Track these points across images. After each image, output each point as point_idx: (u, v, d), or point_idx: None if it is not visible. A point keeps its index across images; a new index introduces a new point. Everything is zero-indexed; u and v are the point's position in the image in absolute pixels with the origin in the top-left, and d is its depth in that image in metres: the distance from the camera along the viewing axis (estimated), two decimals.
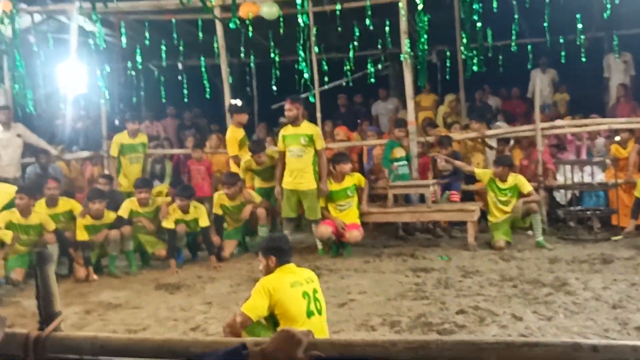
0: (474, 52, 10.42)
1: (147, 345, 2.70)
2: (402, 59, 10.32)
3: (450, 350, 2.43)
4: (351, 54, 12.84)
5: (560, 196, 10.16)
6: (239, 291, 7.40)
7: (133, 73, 14.52)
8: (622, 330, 5.41)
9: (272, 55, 13.01)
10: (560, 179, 9.95)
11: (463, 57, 10.97)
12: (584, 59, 12.51)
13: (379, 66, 14.59)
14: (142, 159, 10.50)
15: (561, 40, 12.72)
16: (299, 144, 8.96)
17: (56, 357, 2.79)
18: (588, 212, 9.31)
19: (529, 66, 13.22)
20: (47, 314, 2.90)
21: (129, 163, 10.39)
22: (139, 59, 12.86)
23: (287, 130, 9.09)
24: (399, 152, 9.88)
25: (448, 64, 13.92)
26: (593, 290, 6.59)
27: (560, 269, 7.52)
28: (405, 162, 9.86)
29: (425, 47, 9.92)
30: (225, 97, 11.19)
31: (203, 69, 13.48)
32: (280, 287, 4.47)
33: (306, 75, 11.18)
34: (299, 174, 8.90)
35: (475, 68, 10.51)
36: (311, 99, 11.50)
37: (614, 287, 6.64)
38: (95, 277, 8.36)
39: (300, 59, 11.11)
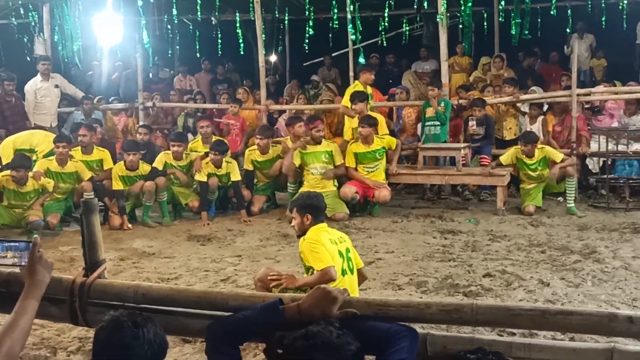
0: (512, 16, 10.24)
1: (188, 296, 2.80)
2: (438, 19, 10.19)
3: (485, 314, 2.48)
4: (386, 12, 12.68)
5: (593, 164, 10.05)
6: (268, 245, 7.53)
7: (168, 26, 14.53)
8: None
9: (307, 12, 12.90)
10: (594, 147, 9.83)
11: (500, 20, 10.76)
12: (624, 25, 12.24)
13: (414, 26, 14.42)
14: None
15: (602, 5, 12.44)
16: (321, 162, 9.05)
17: (99, 303, 2.91)
18: (621, 181, 9.23)
19: (568, 30, 12.95)
20: (91, 261, 3.00)
21: None
22: (174, 11, 12.83)
23: (306, 149, 9.12)
24: (430, 112, 9.81)
25: (485, 27, 13.69)
26: (622, 259, 6.58)
27: (590, 237, 7.51)
28: (437, 122, 9.78)
29: (469, 9, 9.76)
30: (259, 53, 11.17)
31: (237, 24, 13.44)
32: (325, 243, 4.48)
33: (352, 37, 11.10)
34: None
35: (513, 32, 10.34)
36: (361, 61, 11.41)
37: None
38: (129, 226, 8.56)
39: (344, 16, 10.91)
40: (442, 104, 9.73)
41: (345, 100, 9.66)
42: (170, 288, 3.03)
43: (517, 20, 10.45)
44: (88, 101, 11.00)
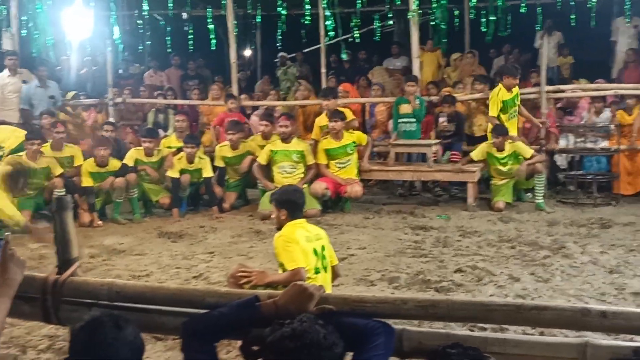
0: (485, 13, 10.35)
1: (163, 293, 2.78)
2: (409, 16, 10.25)
3: (460, 310, 2.50)
4: (358, 7, 12.70)
5: (561, 160, 10.19)
6: (240, 242, 7.51)
7: (139, 22, 14.38)
8: (618, 295, 5.49)
9: (279, 8, 12.86)
10: (562, 143, 9.96)
11: (471, 17, 10.85)
12: (593, 23, 12.39)
13: (385, 23, 14.46)
14: None
15: (571, 3, 12.59)
16: (291, 161, 9.02)
17: (72, 301, 2.88)
18: (589, 177, 9.36)
19: (538, 27, 13.08)
20: (64, 259, 2.97)
21: None
22: (145, 6, 12.70)
23: (276, 146, 9.09)
24: (406, 109, 9.85)
25: (456, 23, 13.78)
26: (591, 254, 6.67)
27: (559, 232, 7.60)
28: (412, 120, 9.83)
29: (444, 7, 9.81)
30: (231, 49, 11.12)
31: (209, 20, 13.36)
32: (299, 240, 4.41)
33: (331, 33, 11.10)
34: None
35: (485, 29, 10.44)
36: (344, 56, 11.37)
37: (612, 252, 6.72)
38: (99, 222, 8.50)
39: (316, 12, 10.91)
40: (417, 101, 9.79)
41: None
42: (145, 285, 3.02)
43: (491, 18, 10.56)
44: (43, 67, 10.80)
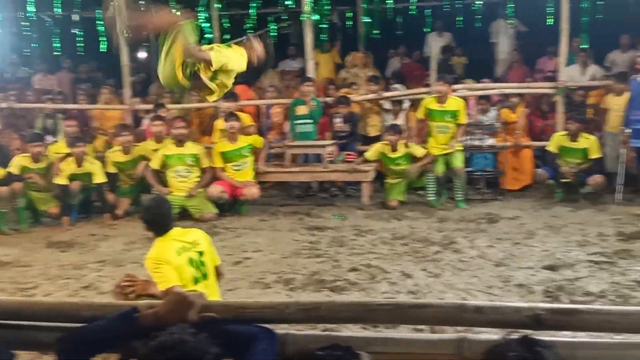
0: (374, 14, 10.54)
1: (39, 308, 2.67)
2: (302, 18, 10.32)
3: (341, 311, 2.53)
4: (253, 11, 12.66)
5: None
6: (133, 249, 7.35)
7: (24, 23, 13.79)
8: (504, 287, 5.73)
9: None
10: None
11: (363, 19, 11.04)
12: (478, 24, 12.84)
13: (281, 25, 14.47)
14: None
15: (458, 5, 13.01)
16: (185, 164, 8.91)
17: None
18: (477, 174, 9.69)
19: (428, 29, 13.43)
20: None
21: None
22: (30, 8, 12.20)
23: (169, 150, 8.95)
24: (302, 110, 9.90)
25: (350, 25, 13.95)
26: (479, 248, 6.93)
27: (449, 228, 7.85)
28: (309, 121, 9.89)
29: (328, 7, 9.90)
30: (122, 52, 10.84)
31: (99, 21, 12.95)
32: (168, 258, 4.24)
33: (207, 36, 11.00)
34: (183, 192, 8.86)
35: (374, 31, 10.64)
36: None
37: (498, 246, 7.00)
38: None
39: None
40: (314, 102, 9.86)
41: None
42: (19, 301, 2.89)
43: (365, 20, 10.79)
44: None
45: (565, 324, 2.53)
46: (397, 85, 11.58)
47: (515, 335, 2.14)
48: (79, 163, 8.62)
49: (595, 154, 8.94)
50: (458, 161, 9.18)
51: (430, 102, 9.36)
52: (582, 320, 2.50)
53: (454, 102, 9.31)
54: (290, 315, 2.50)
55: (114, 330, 2.35)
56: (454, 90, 9.61)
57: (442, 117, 9.27)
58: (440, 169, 9.17)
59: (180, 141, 8.94)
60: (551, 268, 6.17)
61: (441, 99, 9.26)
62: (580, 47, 10.90)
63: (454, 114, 9.25)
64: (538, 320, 2.48)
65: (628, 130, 8.19)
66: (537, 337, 2.11)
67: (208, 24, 11.11)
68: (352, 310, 2.53)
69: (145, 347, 2.07)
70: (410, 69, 13.41)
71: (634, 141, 7.94)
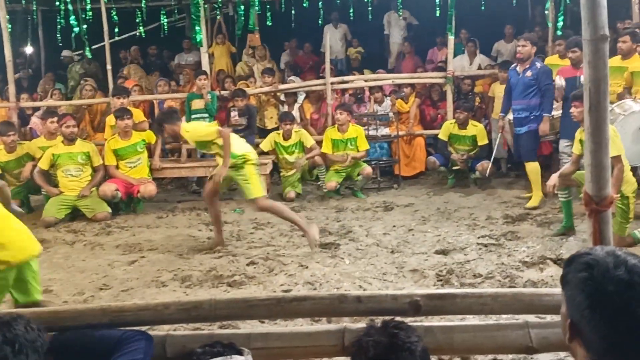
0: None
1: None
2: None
3: (223, 308, 2.52)
4: (143, 4, 12.38)
5: None
6: None
7: None
8: (398, 273, 5.83)
9: (58, 3, 12.18)
10: None
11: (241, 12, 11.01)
12: (370, 16, 13.04)
13: (174, 18, 14.24)
14: None
15: None
16: (76, 163, 8.66)
17: None
18: (372, 163, 9.87)
19: (320, 22, 13.53)
20: None
21: None
22: None
23: (58, 149, 8.66)
24: (198, 104, 9.78)
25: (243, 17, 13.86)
26: (374, 236, 7.05)
27: (346, 218, 7.95)
28: (205, 115, 9.79)
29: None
30: (5, 47, 10.37)
31: None
32: None
33: (76, 30, 10.68)
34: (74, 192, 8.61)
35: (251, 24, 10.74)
36: (88, 54, 11.12)
37: (393, 233, 7.16)
38: None
39: (80, 10, 10.52)
40: (209, 96, 9.76)
41: None
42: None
43: (240, 13, 10.81)
44: None
45: (441, 308, 2.62)
46: (292, 78, 11.64)
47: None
48: None
49: (483, 141, 9.28)
50: (363, 166, 9.25)
51: (331, 132, 9.46)
52: (457, 304, 2.59)
53: (353, 130, 9.42)
54: (170, 316, 2.47)
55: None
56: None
57: (344, 145, 9.38)
58: (339, 179, 9.28)
59: (70, 140, 8.65)
60: (443, 252, 6.36)
61: (342, 127, 9.36)
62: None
63: (354, 141, 9.38)
64: (416, 307, 2.56)
65: (503, 115, 8.49)
66: (396, 321, 2.17)
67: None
68: (234, 306, 2.53)
69: None
70: (304, 61, 13.50)
71: (517, 129, 8.25)
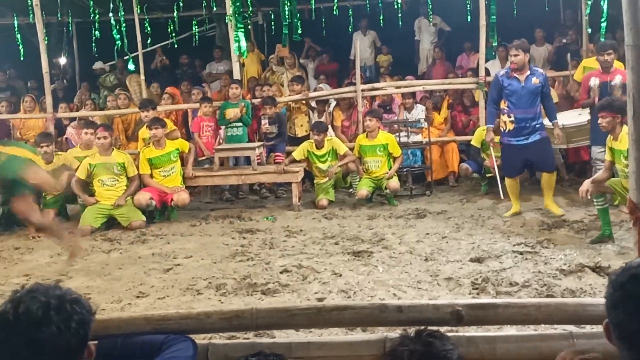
0: (297, 15, 10.59)
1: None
2: (227, 20, 10.30)
3: (264, 318, 2.52)
4: (175, 14, 12.53)
5: None
6: (60, 261, 7.15)
7: None
8: (432, 282, 5.79)
9: (92, 15, 12.39)
10: None
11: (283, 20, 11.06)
12: (400, 23, 13.02)
13: (205, 27, 14.38)
14: None
15: (379, 4, 13.16)
16: (112, 174, 8.73)
17: None
18: (404, 170, 9.82)
19: (350, 29, 13.55)
20: None
21: None
22: None
23: (95, 159, 8.76)
24: (232, 113, 9.85)
25: (273, 26, 13.96)
26: (407, 244, 7.01)
27: (379, 225, 7.93)
28: (239, 124, 9.86)
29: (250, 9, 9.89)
30: (42, 58, 10.56)
31: (16, 28, 12.60)
32: None
33: (118, 42, 10.83)
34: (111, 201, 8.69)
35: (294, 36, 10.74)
36: (131, 65, 11.25)
37: (427, 241, 7.11)
38: None
39: (114, 21, 10.68)
40: (243, 104, 9.83)
41: None
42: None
43: (285, 23, 10.86)
44: None
45: (483, 318, 2.59)
46: (322, 85, 11.66)
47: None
48: None
49: None
50: (394, 181, 9.16)
51: (360, 139, 9.45)
52: (499, 314, 2.56)
53: (383, 137, 9.39)
54: (212, 325, 2.48)
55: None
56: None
57: (374, 151, 9.34)
58: (370, 189, 9.22)
59: (105, 150, 8.76)
60: (478, 260, 6.29)
61: (371, 134, 9.34)
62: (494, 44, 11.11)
63: (384, 147, 9.33)
64: (458, 316, 2.54)
65: (491, 127, 8.28)
66: (430, 330, 2.15)
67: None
68: (275, 316, 2.53)
69: None
70: (332, 68, 13.52)
71: (523, 138, 7.98)
